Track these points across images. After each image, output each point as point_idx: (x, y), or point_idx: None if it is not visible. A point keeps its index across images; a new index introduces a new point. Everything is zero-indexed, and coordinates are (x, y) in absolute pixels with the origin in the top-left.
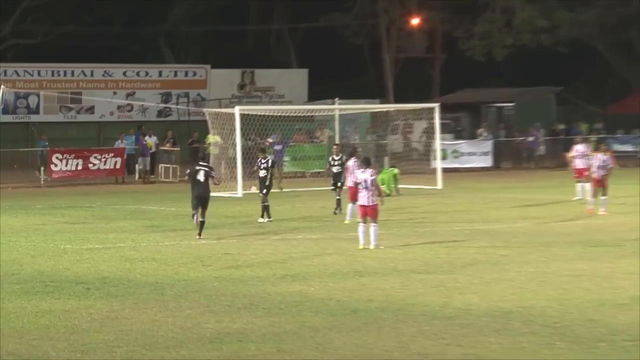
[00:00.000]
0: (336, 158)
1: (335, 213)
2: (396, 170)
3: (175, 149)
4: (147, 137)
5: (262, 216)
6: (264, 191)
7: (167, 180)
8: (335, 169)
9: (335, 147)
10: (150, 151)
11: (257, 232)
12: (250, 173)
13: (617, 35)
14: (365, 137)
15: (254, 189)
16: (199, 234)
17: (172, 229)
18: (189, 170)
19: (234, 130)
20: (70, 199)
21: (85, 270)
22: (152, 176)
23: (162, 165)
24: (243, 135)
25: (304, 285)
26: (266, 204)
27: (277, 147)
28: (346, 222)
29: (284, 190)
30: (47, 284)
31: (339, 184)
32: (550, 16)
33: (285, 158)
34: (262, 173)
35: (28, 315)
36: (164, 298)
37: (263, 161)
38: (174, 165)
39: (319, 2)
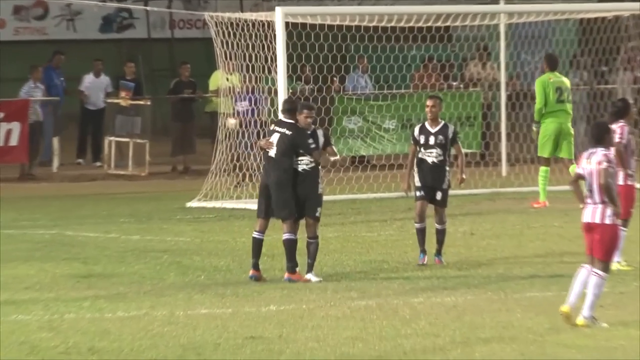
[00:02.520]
0: (432, 130)
1: (421, 263)
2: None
3: (140, 102)
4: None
5: (310, 271)
6: (311, 209)
7: (121, 172)
8: (428, 156)
9: (430, 103)
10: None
11: (326, 286)
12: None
13: None
14: (566, 77)
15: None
16: (290, 272)
17: (135, 284)
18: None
19: (272, 61)
20: None
21: None
22: (98, 163)
23: (112, 139)
24: (294, 72)
25: None
26: (310, 239)
27: (243, 104)
28: (616, 265)
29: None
30: None
31: (438, 194)
32: None
33: (349, 125)
34: (303, 166)
35: None
36: None
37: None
38: (139, 140)
39: None
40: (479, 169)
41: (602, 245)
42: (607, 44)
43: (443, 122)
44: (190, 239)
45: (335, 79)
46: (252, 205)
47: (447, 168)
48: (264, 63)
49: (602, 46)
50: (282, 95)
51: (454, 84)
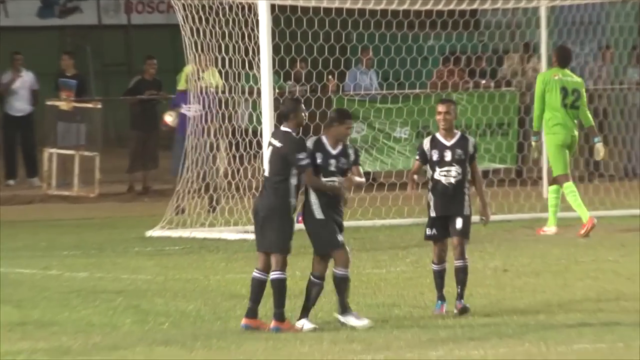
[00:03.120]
0: (448, 143)
1: (438, 312)
2: None
3: (88, 105)
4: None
5: (304, 316)
6: (335, 238)
7: (64, 192)
8: (444, 176)
9: (443, 108)
10: None
11: (321, 336)
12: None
13: None
14: (625, 74)
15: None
16: (278, 320)
17: (82, 333)
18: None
19: (255, 53)
20: None
21: None
22: (36, 181)
23: (52, 151)
24: (281, 67)
25: None
26: (317, 278)
27: (189, 109)
28: None
29: None
30: None
31: (458, 221)
32: None
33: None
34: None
35: None
36: None
37: (334, 151)
38: (87, 153)
39: None
40: (514, 189)
41: None
42: None
43: (459, 132)
44: (151, 277)
45: (332, 76)
46: (229, 234)
47: (467, 191)
48: (244, 56)
49: None
50: (266, 96)
51: (483, 82)
